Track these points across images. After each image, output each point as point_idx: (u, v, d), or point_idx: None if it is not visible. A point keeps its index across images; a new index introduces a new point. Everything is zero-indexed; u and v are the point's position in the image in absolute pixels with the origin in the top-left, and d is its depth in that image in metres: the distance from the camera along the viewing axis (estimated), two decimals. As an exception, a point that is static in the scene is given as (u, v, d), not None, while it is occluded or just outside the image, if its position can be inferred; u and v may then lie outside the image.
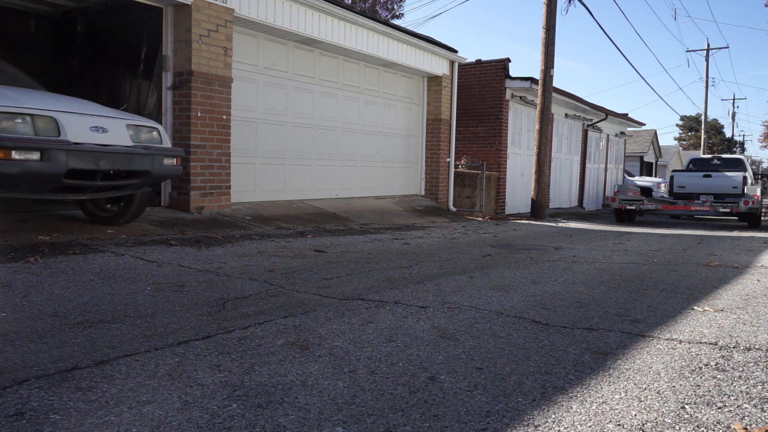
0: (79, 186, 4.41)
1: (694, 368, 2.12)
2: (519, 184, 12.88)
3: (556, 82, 19.83)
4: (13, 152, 3.88)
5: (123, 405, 1.61)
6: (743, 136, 79.57)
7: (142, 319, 2.49)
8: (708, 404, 1.78)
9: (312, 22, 7.67)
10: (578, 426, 1.59)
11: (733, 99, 53.19)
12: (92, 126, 4.39)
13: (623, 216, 12.11)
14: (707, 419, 1.66)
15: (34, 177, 4.03)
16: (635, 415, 1.68)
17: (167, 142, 5.07)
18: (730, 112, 46.60)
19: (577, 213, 14.46)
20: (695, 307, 3.17)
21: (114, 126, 4.58)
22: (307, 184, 8.41)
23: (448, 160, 10.68)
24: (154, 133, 4.94)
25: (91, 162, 4.30)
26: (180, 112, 6.30)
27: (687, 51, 37.59)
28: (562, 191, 15.24)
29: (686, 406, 1.75)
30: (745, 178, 12.22)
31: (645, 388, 1.89)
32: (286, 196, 8.02)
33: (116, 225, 5.25)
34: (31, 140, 4.00)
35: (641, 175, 27.53)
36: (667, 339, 2.50)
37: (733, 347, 2.41)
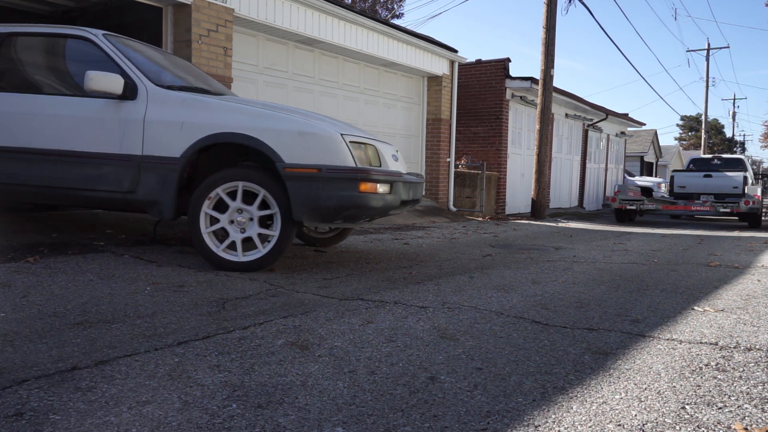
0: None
1: (694, 368, 2.11)
2: (519, 184, 12.87)
3: (557, 82, 19.90)
4: (378, 185, 3.73)
5: (123, 405, 1.61)
6: (744, 135, 79.60)
7: (142, 319, 2.48)
8: (708, 404, 1.78)
9: (312, 22, 7.67)
10: (578, 426, 1.59)
11: (734, 99, 53.20)
12: (392, 154, 4.23)
13: (623, 216, 12.10)
14: (708, 419, 1.66)
15: (382, 210, 3.83)
16: (635, 415, 1.68)
17: None
18: (731, 112, 46.63)
19: (578, 213, 14.46)
20: (695, 307, 3.17)
21: (395, 152, 4.40)
22: (308, 184, 8.39)
23: (448, 160, 10.68)
24: None
25: (408, 192, 4.16)
26: (180, 112, 6.30)
27: (687, 51, 37.63)
28: (563, 191, 15.24)
29: (687, 407, 1.75)
30: (745, 178, 12.22)
31: (645, 389, 1.89)
32: (286, 196, 8.00)
33: (326, 246, 5.07)
34: (387, 173, 3.85)
35: (641, 175, 27.52)
36: (668, 339, 2.50)
37: (734, 347, 2.41)
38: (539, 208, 11.45)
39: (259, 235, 3.69)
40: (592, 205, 17.08)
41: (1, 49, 4.18)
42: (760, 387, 1.94)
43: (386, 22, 9.32)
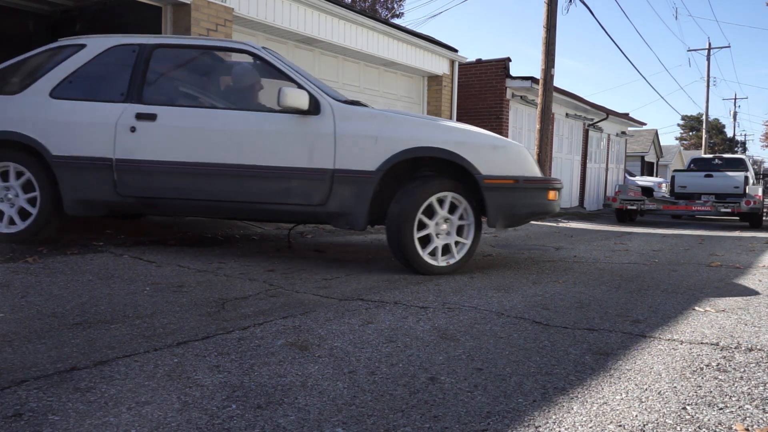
0: None
1: (695, 369, 2.11)
2: (519, 184, 12.85)
3: (557, 82, 19.71)
4: (557, 193, 4.12)
5: (122, 406, 1.60)
6: (745, 135, 79.60)
7: (141, 319, 2.48)
8: (709, 405, 1.77)
9: (312, 22, 7.66)
10: (579, 427, 1.59)
11: (735, 98, 53.31)
12: None
13: (624, 216, 12.09)
14: (709, 420, 1.66)
15: (555, 213, 4.29)
16: (636, 416, 1.67)
17: None
18: (732, 112, 46.61)
19: (578, 213, 14.45)
20: (696, 308, 3.16)
21: None
22: (308, 183, 8.38)
23: (448, 159, 10.67)
24: None
25: None
26: (180, 111, 6.28)
27: (688, 50, 37.60)
28: (563, 191, 15.23)
29: (687, 407, 1.75)
30: (746, 177, 12.21)
31: (646, 389, 1.88)
32: (286, 195, 7.99)
33: None
34: (558, 181, 4.22)
35: (642, 174, 27.49)
36: (669, 339, 2.49)
37: (735, 348, 2.40)
38: (539, 207, 11.42)
39: (455, 241, 3.96)
40: (593, 205, 17.07)
41: (151, 62, 4.11)
42: (761, 387, 1.93)
43: (386, 22, 9.31)
